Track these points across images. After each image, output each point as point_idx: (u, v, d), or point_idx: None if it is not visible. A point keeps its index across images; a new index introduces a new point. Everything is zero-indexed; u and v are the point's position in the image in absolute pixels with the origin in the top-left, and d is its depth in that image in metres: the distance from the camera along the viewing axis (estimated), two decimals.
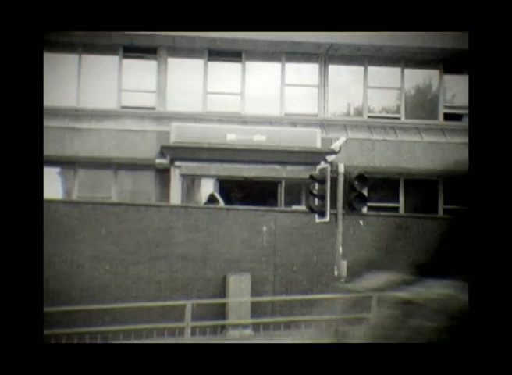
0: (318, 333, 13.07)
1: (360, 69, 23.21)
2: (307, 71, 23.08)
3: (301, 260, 17.36)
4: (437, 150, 22.29)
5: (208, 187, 21.30)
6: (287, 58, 22.95)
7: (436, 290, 4.04)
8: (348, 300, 14.74)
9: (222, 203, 19.56)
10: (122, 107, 22.34)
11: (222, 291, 16.69)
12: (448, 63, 23.15)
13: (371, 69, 23.25)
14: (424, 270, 4.33)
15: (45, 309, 6.72)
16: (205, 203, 19.84)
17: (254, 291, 16.67)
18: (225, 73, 22.79)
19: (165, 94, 22.50)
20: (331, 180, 15.35)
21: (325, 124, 22.58)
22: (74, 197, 21.47)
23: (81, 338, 12.14)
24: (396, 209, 22.46)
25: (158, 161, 21.36)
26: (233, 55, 22.75)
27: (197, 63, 22.68)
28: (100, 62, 22.41)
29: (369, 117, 23.20)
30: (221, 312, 16.09)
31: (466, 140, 21.40)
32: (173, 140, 21.32)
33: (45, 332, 6.42)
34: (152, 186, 22.08)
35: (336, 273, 15.41)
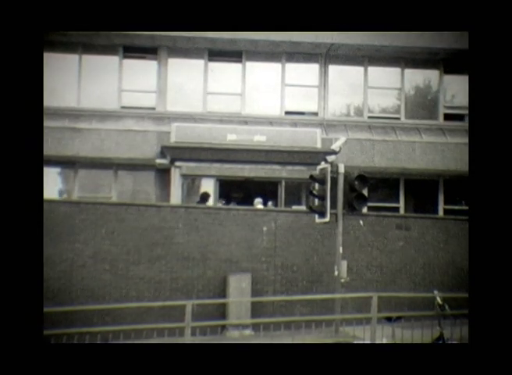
0: (319, 333, 13.07)
1: (361, 69, 23.20)
2: (308, 71, 23.08)
3: (301, 260, 17.36)
4: (437, 150, 22.30)
5: (208, 187, 21.30)
6: (287, 58, 22.95)
7: None
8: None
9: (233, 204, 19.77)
10: (123, 107, 22.34)
11: (223, 291, 16.68)
12: (448, 63, 23.16)
13: (372, 69, 23.24)
14: None
15: (45, 309, 6.71)
16: (198, 202, 19.86)
17: (255, 291, 16.66)
18: (225, 73, 22.80)
19: (166, 95, 22.49)
20: (331, 181, 15.34)
21: (325, 124, 22.57)
22: (74, 197, 21.48)
23: (81, 338, 12.13)
24: (397, 209, 22.46)
25: (158, 161, 21.36)
26: (234, 55, 22.75)
27: (198, 63, 22.68)
28: (100, 62, 22.41)
29: (369, 117, 23.20)
30: (221, 312, 16.08)
31: (466, 140, 21.46)
32: (174, 140, 21.32)
33: (45, 332, 6.42)
34: (152, 186, 22.09)
35: (336, 273, 15.41)
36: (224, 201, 20.43)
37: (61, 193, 22.28)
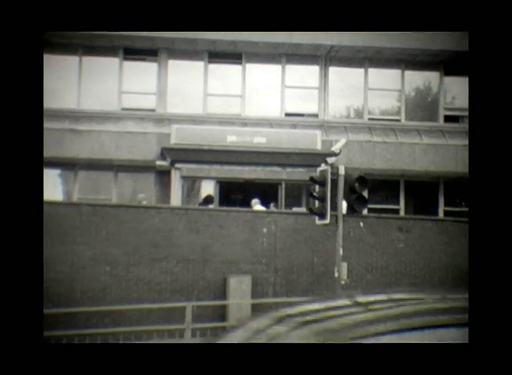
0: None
1: (361, 71, 23.22)
2: (308, 73, 23.09)
3: (301, 262, 17.35)
4: (437, 152, 22.31)
5: (208, 189, 21.31)
6: (287, 60, 22.96)
7: None
8: None
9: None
10: (123, 109, 22.36)
11: (223, 293, 16.68)
12: (448, 65, 23.17)
13: (372, 71, 23.26)
14: None
15: (45, 311, 6.72)
16: (200, 204, 19.84)
17: (255, 293, 16.65)
18: (225, 74, 22.81)
19: (166, 96, 22.51)
20: (331, 182, 15.34)
21: (325, 126, 22.58)
22: (74, 199, 21.48)
23: (81, 340, 12.13)
24: (397, 211, 22.47)
25: (158, 163, 21.37)
26: (234, 57, 22.76)
27: (198, 65, 22.70)
28: (100, 64, 22.43)
29: (369, 119, 23.21)
30: (221, 313, 16.07)
31: (466, 142, 21.47)
32: (174, 142, 21.34)
33: (45, 334, 6.42)
34: (152, 188, 22.09)
35: (336, 274, 15.40)
36: (240, 203, 20.36)
37: (66, 194, 22.27)
